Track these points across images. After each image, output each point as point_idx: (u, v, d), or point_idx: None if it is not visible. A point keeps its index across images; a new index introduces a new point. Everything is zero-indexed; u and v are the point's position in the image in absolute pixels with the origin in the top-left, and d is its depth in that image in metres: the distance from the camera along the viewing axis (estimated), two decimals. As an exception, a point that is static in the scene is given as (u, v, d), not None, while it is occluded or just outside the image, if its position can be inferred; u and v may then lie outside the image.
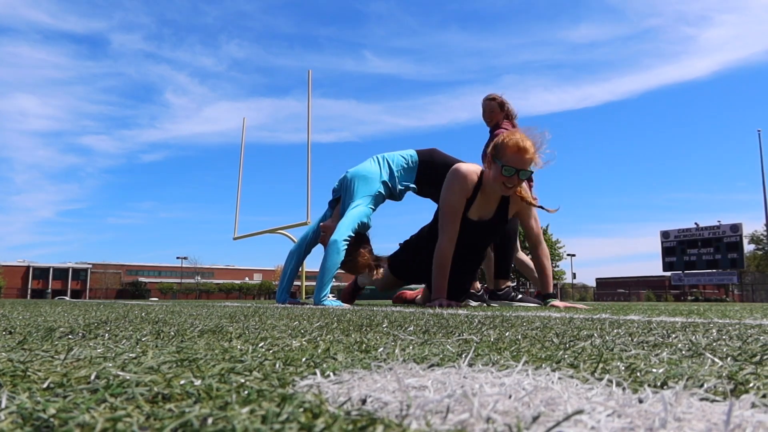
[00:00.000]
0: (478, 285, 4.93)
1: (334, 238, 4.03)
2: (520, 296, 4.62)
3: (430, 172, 4.51)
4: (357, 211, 4.18)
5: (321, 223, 4.51)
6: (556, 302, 3.76)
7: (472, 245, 3.82)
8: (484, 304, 4.60)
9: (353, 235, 4.08)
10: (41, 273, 59.60)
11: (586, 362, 0.69)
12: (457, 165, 3.82)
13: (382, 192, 4.35)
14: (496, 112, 5.15)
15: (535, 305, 4.46)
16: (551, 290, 3.99)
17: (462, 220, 3.67)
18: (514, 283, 5.35)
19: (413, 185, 4.50)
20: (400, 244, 4.45)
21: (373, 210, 4.33)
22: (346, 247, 4.01)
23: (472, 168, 3.72)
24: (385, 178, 4.37)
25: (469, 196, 3.66)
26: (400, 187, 4.41)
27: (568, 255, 42.32)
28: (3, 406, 0.41)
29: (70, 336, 1.05)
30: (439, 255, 3.65)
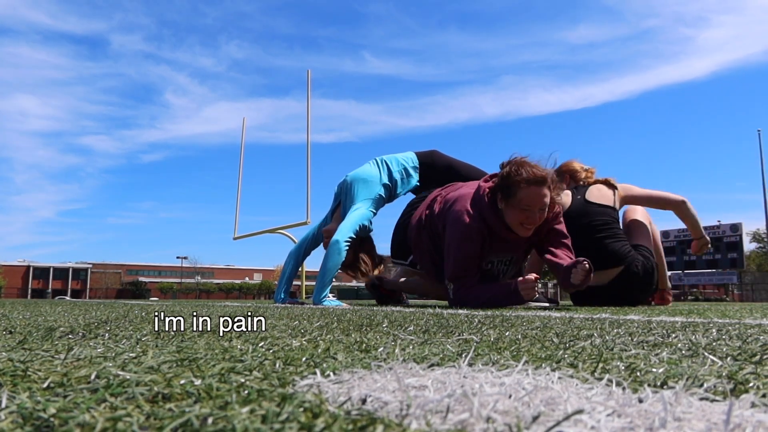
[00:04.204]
0: None
1: (335, 239, 4.03)
2: (536, 296, 4.56)
3: (431, 174, 4.51)
4: (358, 213, 4.18)
5: (323, 228, 4.52)
6: None
7: None
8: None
9: (354, 236, 4.08)
10: (41, 273, 59.60)
11: (586, 362, 0.69)
12: None
13: (383, 195, 4.35)
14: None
15: (550, 305, 4.44)
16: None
17: None
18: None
19: (415, 184, 4.50)
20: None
21: (374, 213, 4.33)
22: (347, 247, 4.02)
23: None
24: (386, 180, 4.37)
25: None
26: (400, 189, 4.42)
27: (568, 255, 42.17)
28: (3, 405, 0.41)
29: (70, 336, 1.05)
30: None
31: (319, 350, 0.81)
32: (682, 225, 4.53)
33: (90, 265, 61.84)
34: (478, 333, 1.16)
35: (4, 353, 0.74)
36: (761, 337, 1.08)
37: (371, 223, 4.27)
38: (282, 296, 4.61)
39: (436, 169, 4.51)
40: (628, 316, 2.01)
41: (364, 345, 0.89)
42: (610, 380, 0.53)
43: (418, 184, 4.51)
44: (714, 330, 1.29)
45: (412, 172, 4.46)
